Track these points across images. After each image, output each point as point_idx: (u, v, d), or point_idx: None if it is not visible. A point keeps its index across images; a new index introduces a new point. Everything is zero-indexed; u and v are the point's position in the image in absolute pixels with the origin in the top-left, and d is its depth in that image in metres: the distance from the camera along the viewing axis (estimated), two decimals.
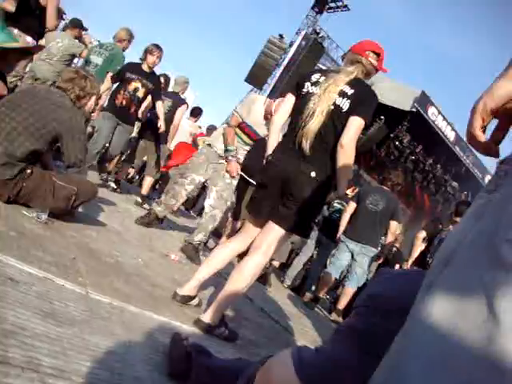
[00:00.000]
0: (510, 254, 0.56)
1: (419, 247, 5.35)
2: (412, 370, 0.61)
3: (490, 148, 0.76)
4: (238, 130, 4.04)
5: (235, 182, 4.16)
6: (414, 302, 0.69)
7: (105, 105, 5.67)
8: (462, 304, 0.58)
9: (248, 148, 4.19)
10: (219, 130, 4.30)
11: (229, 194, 4.11)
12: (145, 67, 5.36)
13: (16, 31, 3.90)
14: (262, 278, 5.18)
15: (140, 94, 5.41)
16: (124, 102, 5.35)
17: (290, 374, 1.06)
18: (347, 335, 1.10)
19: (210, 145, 4.20)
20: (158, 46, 5.34)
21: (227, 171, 4.05)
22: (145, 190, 6.16)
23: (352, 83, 2.29)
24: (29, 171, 2.53)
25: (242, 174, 5.13)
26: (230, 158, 4.01)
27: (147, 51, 5.30)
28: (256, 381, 1.14)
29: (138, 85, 5.34)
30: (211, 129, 8.24)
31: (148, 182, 6.21)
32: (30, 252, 1.93)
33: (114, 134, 5.43)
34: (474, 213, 0.67)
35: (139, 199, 5.91)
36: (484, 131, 0.76)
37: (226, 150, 4.03)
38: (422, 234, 5.41)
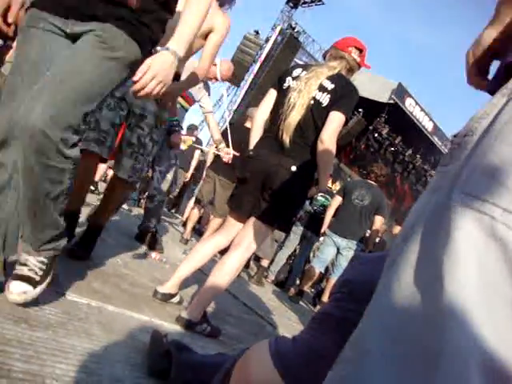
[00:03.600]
0: (454, 215, 0.57)
1: None
2: (370, 343, 0.61)
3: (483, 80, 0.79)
4: None
5: (178, 162, 4.07)
6: None
7: None
8: (417, 275, 0.59)
9: (183, 115, 4.06)
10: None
11: (174, 176, 4.06)
12: None
13: None
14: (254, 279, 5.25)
15: None
16: None
17: (267, 365, 1.04)
18: (324, 322, 1.08)
19: None
20: None
21: (171, 142, 3.83)
22: (96, 176, 6.23)
23: (333, 78, 2.28)
24: None
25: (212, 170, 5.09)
26: (175, 129, 3.81)
27: None
28: (234, 373, 1.11)
29: None
30: (191, 128, 8.15)
31: (101, 168, 6.45)
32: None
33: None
34: (432, 187, 0.68)
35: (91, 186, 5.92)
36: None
37: (169, 119, 3.81)
38: (397, 230, 5.47)
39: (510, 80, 0.65)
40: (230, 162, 4.11)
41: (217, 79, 3.93)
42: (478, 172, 0.58)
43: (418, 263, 0.59)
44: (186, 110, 4.01)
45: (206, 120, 4.20)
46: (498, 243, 0.52)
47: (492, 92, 0.73)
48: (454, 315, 0.52)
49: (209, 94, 4.16)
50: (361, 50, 2.45)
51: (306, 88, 2.26)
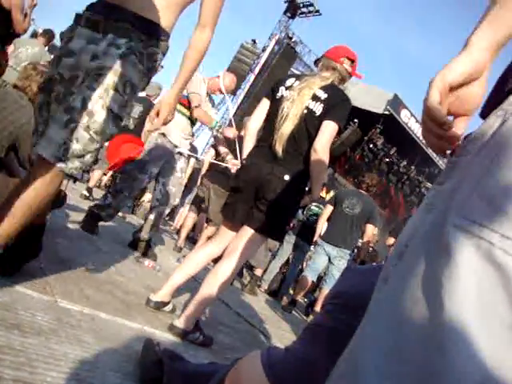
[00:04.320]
0: (452, 238, 0.57)
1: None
2: (364, 359, 0.61)
3: (449, 133, 0.71)
4: (183, 109, 3.82)
5: (184, 176, 4.06)
6: None
7: None
8: (414, 294, 0.59)
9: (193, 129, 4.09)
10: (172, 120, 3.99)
11: (178, 189, 4.01)
12: None
13: None
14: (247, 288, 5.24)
15: None
16: None
17: (259, 375, 1.04)
18: (315, 334, 1.09)
19: (164, 134, 3.85)
20: None
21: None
22: (91, 182, 6.19)
23: (326, 88, 2.30)
24: None
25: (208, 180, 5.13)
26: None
27: None
28: (226, 383, 1.11)
29: None
30: None
31: (96, 174, 6.32)
32: None
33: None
34: (425, 205, 0.68)
35: (85, 192, 5.89)
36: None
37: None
38: (391, 241, 5.50)
39: (504, 102, 0.66)
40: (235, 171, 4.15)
41: (221, 92, 3.95)
42: (474, 195, 0.58)
43: (414, 282, 0.60)
44: (194, 124, 4.02)
45: (213, 134, 4.22)
46: (497, 268, 0.53)
47: (484, 115, 0.73)
48: (453, 337, 0.53)
49: (212, 106, 4.17)
50: (352, 61, 2.47)
51: (299, 98, 2.27)
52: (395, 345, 0.58)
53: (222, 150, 4.02)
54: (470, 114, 0.77)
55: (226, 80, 3.93)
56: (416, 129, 13.88)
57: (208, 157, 5.53)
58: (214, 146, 5.61)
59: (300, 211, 5.99)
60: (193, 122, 3.96)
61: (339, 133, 2.31)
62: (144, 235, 3.87)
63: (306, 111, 2.25)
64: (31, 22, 5.37)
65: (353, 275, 1.15)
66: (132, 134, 5.65)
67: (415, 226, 0.67)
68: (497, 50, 0.73)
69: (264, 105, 2.45)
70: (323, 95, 2.27)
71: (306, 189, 2.40)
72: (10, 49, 4.87)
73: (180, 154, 3.92)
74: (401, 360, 0.57)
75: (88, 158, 1.62)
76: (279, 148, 2.24)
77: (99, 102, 1.57)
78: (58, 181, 1.61)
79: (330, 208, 5.43)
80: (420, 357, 0.55)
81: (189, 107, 3.85)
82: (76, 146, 1.56)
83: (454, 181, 0.64)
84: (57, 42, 6.01)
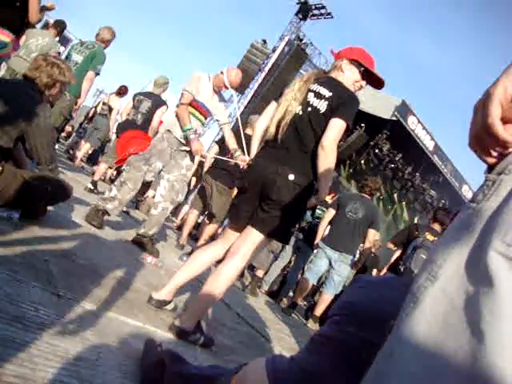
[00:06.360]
0: (494, 266, 0.53)
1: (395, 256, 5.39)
2: None
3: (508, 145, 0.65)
4: (191, 110, 3.80)
5: (189, 174, 4.00)
6: (391, 312, 0.66)
7: (82, 104, 5.32)
8: (448, 321, 0.56)
9: (203, 128, 4.01)
10: (173, 115, 3.92)
11: (182, 186, 3.93)
12: None
13: None
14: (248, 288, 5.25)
15: None
16: None
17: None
18: (322, 344, 1.07)
19: (169, 131, 3.84)
20: None
21: (192, 152, 3.79)
22: (96, 175, 6.18)
23: (329, 86, 2.27)
24: None
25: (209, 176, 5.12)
26: (191, 136, 3.72)
27: None
28: None
29: None
30: None
31: (102, 168, 6.30)
32: None
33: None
34: (460, 224, 0.64)
35: (90, 185, 5.86)
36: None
37: (184, 130, 3.72)
38: (390, 246, 5.49)
39: None
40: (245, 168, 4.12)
41: (226, 87, 3.90)
42: None
43: (449, 308, 0.56)
44: (203, 124, 4.00)
45: (223, 131, 4.16)
46: None
47: None
48: (496, 375, 0.49)
49: (222, 101, 4.12)
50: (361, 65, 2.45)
51: (298, 95, 2.27)
52: (427, 375, 0.55)
53: (232, 145, 3.95)
54: None
55: (231, 75, 3.88)
56: (423, 136, 13.87)
57: (211, 153, 5.52)
58: (218, 143, 5.60)
59: (309, 213, 5.94)
60: (203, 123, 3.96)
61: (346, 131, 2.27)
62: (147, 231, 3.86)
63: (309, 109, 2.23)
64: (44, 14, 5.29)
65: (362, 286, 1.13)
66: (139, 128, 5.68)
67: (448, 245, 0.62)
68: None
69: (272, 107, 2.44)
70: (327, 93, 2.24)
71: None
72: (22, 39, 4.86)
73: (186, 151, 3.88)
74: None
75: None
76: (280, 133, 2.24)
77: None
78: None
79: (332, 212, 5.41)
80: None
81: (201, 112, 3.87)
82: None
83: (495, 201, 0.60)
84: (68, 33, 6.01)
